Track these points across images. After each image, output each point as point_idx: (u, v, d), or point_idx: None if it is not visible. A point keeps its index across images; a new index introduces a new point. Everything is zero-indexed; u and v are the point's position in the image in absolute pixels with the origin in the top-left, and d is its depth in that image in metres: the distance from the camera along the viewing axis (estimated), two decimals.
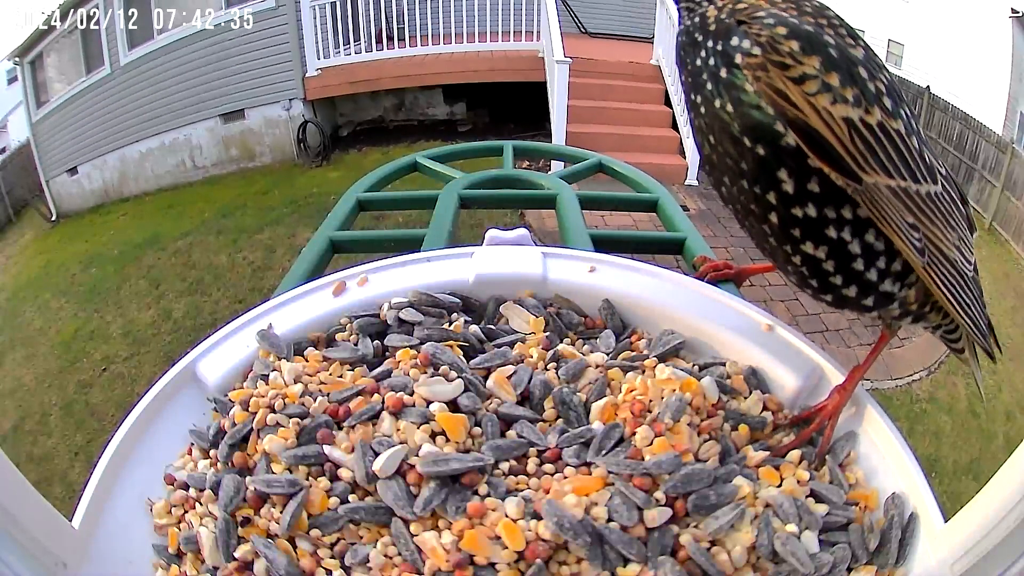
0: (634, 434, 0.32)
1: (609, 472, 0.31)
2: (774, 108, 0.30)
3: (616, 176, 0.82)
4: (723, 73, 0.31)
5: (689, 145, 3.98)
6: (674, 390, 0.34)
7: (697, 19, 0.33)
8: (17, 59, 4.96)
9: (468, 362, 0.37)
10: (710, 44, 0.32)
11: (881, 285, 0.33)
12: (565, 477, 0.32)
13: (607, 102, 4.20)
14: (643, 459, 0.31)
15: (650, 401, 0.34)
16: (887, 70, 0.33)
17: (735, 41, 0.31)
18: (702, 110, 0.33)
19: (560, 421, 0.35)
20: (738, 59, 0.31)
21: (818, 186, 0.30)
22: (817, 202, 0.31)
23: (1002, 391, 3.17)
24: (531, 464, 0.33)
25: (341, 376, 0.37)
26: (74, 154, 5.00)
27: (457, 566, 0.28)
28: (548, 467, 0.33)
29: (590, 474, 0.32)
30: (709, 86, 0.32)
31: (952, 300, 0.34)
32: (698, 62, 0.33)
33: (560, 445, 0.33)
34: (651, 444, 0.32)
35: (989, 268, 4.01)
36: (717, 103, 0.31)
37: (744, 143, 0.31)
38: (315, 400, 0.35)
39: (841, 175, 0.30)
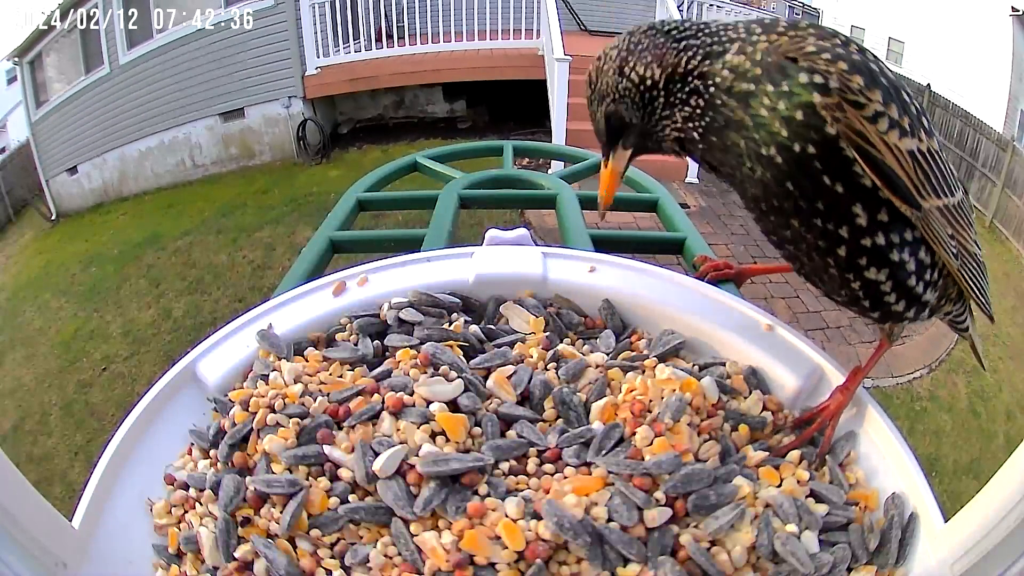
0: (634, 434, 0.32)
1: (609, 472, 0.31)
2: (854, 149, 0.30)
3: None
4: (799, 116, 0.30)
5: None
6: (674, 390, 0.34)
7: (726, 72, 0.33)
8: (17, 59, 4.95)
9: (468, 362, 0.37)
10: (770, 87, 0.31)
11: (924, 296, 0.35)
12: (565, 477, 0.32)
13: None
14: (643, 459, 0.31)
15: (650, 401, 0.34)
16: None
17: (803, 78, 0.30)
18: (778, 160, 0.31)
19: (560, 421, 0.35)
20: (816, 99, 0.30)
21: (886, 216, 0.32)
22: (885, 230, 0.32)
23: (1002, 391, 3.17)
24: (531, 464, 0.33)
25: (341, 376, 0.37)
26: (74, 153, 5.00)
27: (457, 566, 0.28)
28: (548, 467, 0.33)
29: (590, 474, 0.32)
30: (784, 132, 0.31)
31: (975, 290, 0.36)
32: (763, 112, 0.31)
33: (560, 445, 0.33)
34: (651, 444, 0.32)
35: (989, 267, 3.99)
36: (797, 147, 0.31)
37: (823, 182, 0.31)
38: (315, 400, 0.35)
39: (906, 204, 0.32)
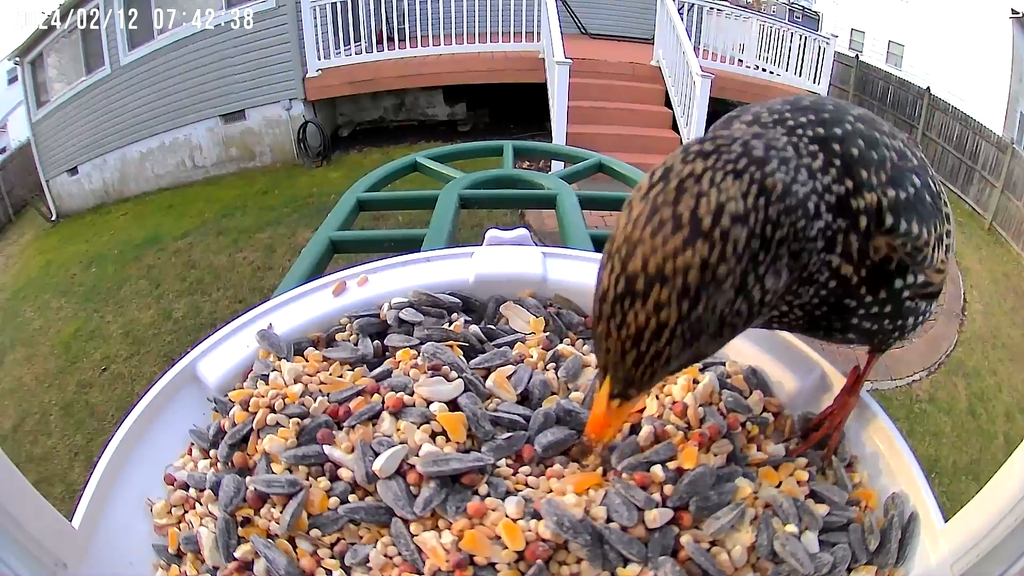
0: (636, 432, 0.32)
1: (607, 470, 0.31)
2: (921, 298, 0.32)
3: (616, 176, 0.82)
4: (887, 309, 0.30)
5: None
6: (674, 384, 0.34)
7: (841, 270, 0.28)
8: (17, 59, 4.95)
9: (468, 362, 0.37)
10: (870, 297, 0.30)
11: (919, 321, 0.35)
12: (564, 476, 0.32)
13: (607, 103, 4.21)
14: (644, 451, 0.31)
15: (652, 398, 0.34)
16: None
17: (897, 284, 0.30)
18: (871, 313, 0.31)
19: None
20: (906, 294, 0.30)
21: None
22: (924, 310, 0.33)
23: (1002, 392, 3.17)
24: (531, 464, 0.33)
25: (341, 376, 0.37)
26: (74, 154, 5.00)
27: (457, 566, 0.28)
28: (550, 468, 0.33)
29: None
30: (867, 324, 0.31)
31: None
32: (874, 309, 0.30)
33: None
34: (653, 443, 0.32)
35: (989, 268, 4.01)
36: (872, 325, 0.31)
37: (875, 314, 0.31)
38: (315, 400, 0.35)
39: (936, 297, 0.33)
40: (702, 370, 0.37)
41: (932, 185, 0.31)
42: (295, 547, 0.31)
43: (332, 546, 0.31)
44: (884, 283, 0.29)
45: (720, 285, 0.23)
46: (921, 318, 0.33)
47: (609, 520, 0.29)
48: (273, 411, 0.34)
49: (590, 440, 0.30)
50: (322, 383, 0.36)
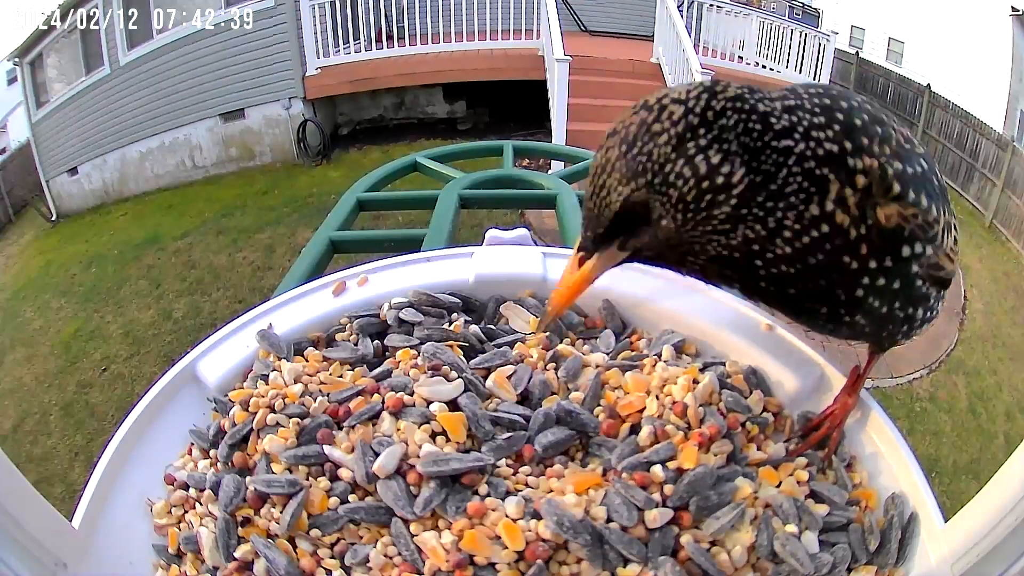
0: (636, 432, 0.32)
1: (607, 470, 0.31)
2: (931, 281, 0.32)
3: None
4: (895, 285, 0.31)
5: None
6: (671, 384, 0.34)
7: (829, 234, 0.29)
8: (17, 59, 4.95)
9: (468, 362, 0.37)
10: (874, 263, 0.30)
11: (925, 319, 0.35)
12: (564, 476, 0.32)
13: (607, 100, 4.20)
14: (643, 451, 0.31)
15: (654, 397, 0.34)
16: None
17: (905, 252, 0.30)
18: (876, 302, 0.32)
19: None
20: (915, 268, 0.31)
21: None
22: (933, 304, 0.34)
23: (1002, 391, 3.17)
24: (531, 464, 0.33)
25: (341, 376, 0.37)
26: (74, 154, 5.00)
27: (457, 566, 0.28)
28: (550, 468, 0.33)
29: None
30: (876, 303, 0.31)
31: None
32: (881, 281, 0.30)
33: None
34: (653, 443, 0.32)
35: (989, 267, 4.01)
36: (880, 306, 0.31)
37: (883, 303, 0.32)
38: (315, 400, 0.35)
39: (947, 285, 0.33)
40: (702, 370, 0.37)
41: (938, 177, 0.32)
42: (295, 547, 0.31)
43: (332, 546, 0.31)
44: (891, 250, 0.30)
45: (655, 137, 0.28)
46: (930, 313, 0.34)
47: (609, 520, 0.30)
48: (273, 411, 0.34)
49: (552, 308, 0.33)
50: (322, 383, 0.36)
